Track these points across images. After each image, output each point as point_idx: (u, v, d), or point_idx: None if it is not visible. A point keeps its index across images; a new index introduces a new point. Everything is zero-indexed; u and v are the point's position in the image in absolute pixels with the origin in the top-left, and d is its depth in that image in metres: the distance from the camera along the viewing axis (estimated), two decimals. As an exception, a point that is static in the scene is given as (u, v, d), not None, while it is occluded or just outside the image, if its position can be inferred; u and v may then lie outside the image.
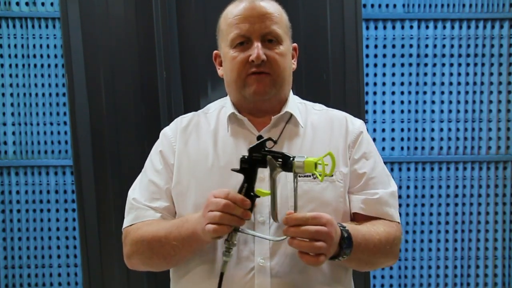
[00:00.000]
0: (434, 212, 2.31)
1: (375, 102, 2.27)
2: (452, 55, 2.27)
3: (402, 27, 2.25)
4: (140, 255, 1.12)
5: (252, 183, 0.97)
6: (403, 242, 2.31)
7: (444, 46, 2.26)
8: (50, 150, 2.23)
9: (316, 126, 1.18)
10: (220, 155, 1.14)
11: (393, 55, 2.26)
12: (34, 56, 2.20)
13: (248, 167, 0.97)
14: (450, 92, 2.28)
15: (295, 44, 1.22)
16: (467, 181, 2.30)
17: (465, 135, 2.29)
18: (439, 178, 2.30)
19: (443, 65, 2.27)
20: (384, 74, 2.27)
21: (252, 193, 0.97)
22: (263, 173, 1.01)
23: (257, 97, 1.13)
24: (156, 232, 1.08)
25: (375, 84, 2.27)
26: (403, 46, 2.26)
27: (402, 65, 2.27)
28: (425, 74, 2.27)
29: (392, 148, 2.29)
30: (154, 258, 1.11)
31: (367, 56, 2.24)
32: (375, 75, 2.27)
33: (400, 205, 2.28)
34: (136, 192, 1.18)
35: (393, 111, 2.28)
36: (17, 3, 2.18)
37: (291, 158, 0.93)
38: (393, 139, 2.29)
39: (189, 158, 1.16)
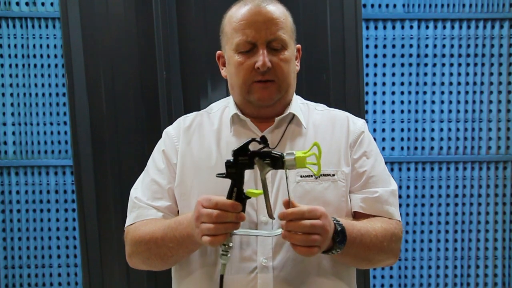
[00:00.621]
0: (434, 212, 2.31)
1: (375, 102, 2.27)
2: (452, 55, 2.27)
3: (402, 27, 2.25)
4: (139, 255, 1.13)
5: (241, 186, 0.97)
6: (403, 242, 2.31)
7: (444, 46, 2.26)
8: (50, 150, 2.23)
9: (318, 126, 1.19)
10: (223, 155, 1.14)
11: (393, 55, 2.26)
12: (34, 56, 2.20)
13: (235, 171, 0.96)
14: (450, 92, 2.28)
15: (298, 46, 1.22)
16: (467, 181, 2.30)
17: (465, 135, 2.29)
18: (439, 178, 2.30)
19: (443, 65, 2.27)
20: (384, 74, 2.27)
21: (243, 195, 0.96)
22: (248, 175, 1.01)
23: (262, 104, 1.14)
24: (152, 233, 1.09)
25: (375, 84, 2.27)
26: (403, 46, 2.26)
27: (402, 65, 2.27)
28: (425, 74, 2.27)
29: (392, 148, 2.29)
30: (152, 258, 1.11)
31: (367, 56, 2.24)
32: (375, 75, 2.26)
33: (400, 205, 2.28)
34: (139, 191, 1.18)
35: (393, 111, 2.28)
36: (17, 3, 2.18)
37: (281, 156, 0.93)
38: (393, 139, 2.29)
39: (192, 157, 1.16)
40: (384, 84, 2.27)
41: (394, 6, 2.24)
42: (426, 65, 2.27)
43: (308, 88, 1.78)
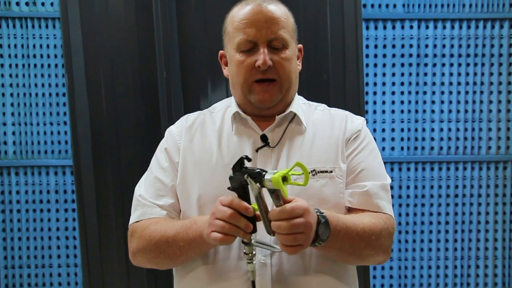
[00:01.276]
0: (434, 212, 2.31)
1: (375, 102, 2.27)
2: (452, 55, 2.27)
3: (402, 27, 2.25)
4: (146, 253, 1.13)
5: (246, 200, 0.98)
6: (403, 242, 2.32)
7: (444, 46, 2.26)
8: (50, 150, 2.23)
9: (317, 125, 1.19)
10: (224, 154, 1.15)
11: (393, 55, 2.26)
12: (34, 56, 2.20)
13: (237, 185, 0.98)
14: (450, 92, 2.28)
15: (300, 45, 1.22)
16: (467, 181, 2.30)
17: (465, 135, 2.29)
18: (439, 178, 2.30)
19: (443, 65, 2.27)
20: (384, 74, 2.27)
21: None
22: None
23: (263, 106, 1.15)
24: (164, 232, 1.09)
25: (375, 84, 2.27)
26: (403, 46, 2.26)
27: (402, 65, 2.27)
28: (425, 74, 2.27)
29: (392, 148, 2.29)
30: (160, 257, 1.12)
31: (367, 56, 2.24)
32: (375, 75, 2.27)
33: (400, 205, 2.31)
34: (142, 189, 1.19)
35: (393, 111, 2.28)
36: (17, 3, 2.18)
37: (263, 175, 0.93)
38: (393, 139, 2.29)
39: (194, 156, 1.17)
40: (384, 84, 2.27)
41: (394, 6, 2.24)
42: (426, 65, 2.27)
43: (308, 88, 1.78)
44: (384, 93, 2.27)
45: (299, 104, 1.22)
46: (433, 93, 2.28)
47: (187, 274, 1.14)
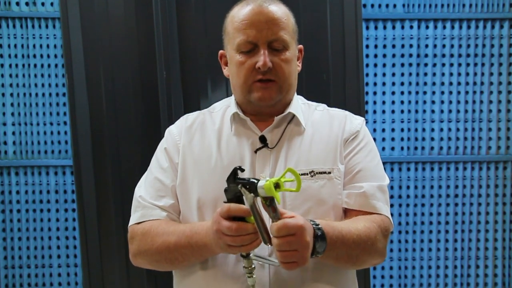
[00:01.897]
0: (434, 212, 2.31)
1: (375, 102, 2.27)
2: (452, 55, 2.27)
3: (402, 27, 2.25)
4: (147, 256, 1.13)
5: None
6: (403, 242, 2.32)
7: (444, 46, 2.26)
8: (50, 150, 2.23)
9: (316, 125, 1.19)
10: (223, 154, 1.15)
11: (393, 55, 2.26)
12: (34, 56, 2.20)
13: (232, 197, 0.98)
14: (450, 92, 2.28)
15: (300, 46, 1.22)
16: (467, 181, 2.30)
17: (465, 135, 2.29)
18: (439, 178, 2.30)
19: (443, 65, 2.27)
20: (384, 74, 2.27)
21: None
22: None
23: (262, 104, 1.14)
24: (166, 238, 1.09)
25: (375, 84, 2.27)
26: (403, 46, 2.26)
27: (402, 65, 2.27)
28: (425, 74, 2.27)
29: (392, 148, 2.29)
30: (161, 261, 1.12)
31: (367, 56, 2.24)
32: (375, 75, 2.27)
33: (400, 205, 2.31)
34: (142, 189, 1.19)
35: (393, 111, 2.28)
36: (17, 3, 2.18)
37: (255, 184, 0.92)
38: (393, 139, 2.29)
39: (193, 156, 1.17)
40: (384, 84, 2.27)
41: (394, 6, 2.24)
42: (426, 65, 2.27)
43: (308, 88, 1.78)
44: (384, 93, 2.27)
45: (298, 105, 1.22)
46: (433, 93, 2.28)
47: (186, 277, 1.14)
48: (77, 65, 1.80)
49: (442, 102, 2.28)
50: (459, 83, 2.28)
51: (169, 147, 1.20)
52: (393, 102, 2.28)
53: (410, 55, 2.26)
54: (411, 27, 2.25)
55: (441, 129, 2.29)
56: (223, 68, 1.23)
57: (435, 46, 2.26)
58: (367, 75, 2.23)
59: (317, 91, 1.83)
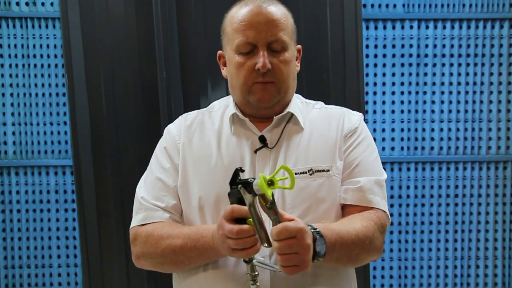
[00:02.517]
0: (434, 212, 2.31)
1: (375, 102, 2.27)
2: (452, 55, 2.27)
3: (402, 27, 2.25)
4: (152, 259, 1.13)
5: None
6: (403, 242, 2.32)
7: (444, 46, 2.26)
8: (50, 150, 2.23)
9: (314, 123, 1.19)
10: (223, 155, 1.15)
11: (393, 55, 2.26)
12: (34, 56, 2.20)
13: (233, 200, 0.98)
14: (450, 92, 2.28)
15: (299, 46, 1.22)
16: (467, 181, 2.30)
17: (465, 135, 2.29)
18: (439, 178, 2.30)
19: (443, 65, 2.27)
20: (384, 74, 2.27)
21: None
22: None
23: (261, 105, 1.15)
24: (171, 242, 1.09)
25: (375, 84, 2.27)
26: (403, 46, 2.26)
27: (402, 65, 2.27)
28: (425, 74, 2.27)
29: (392, 148, 2.29)
30: (166, 264, 1.12)
31: (367, 56, 2.24)
32: (375, 75, 2.26)
33: (400, 205, 2.31)
34: (144, 190, 1.18)
35: (393, 111, 2.28)
36: (17, 3, 2.18)
37: (251, 182, 0.93)
38: (393, 139, 2.29)
39: (193, 156, 1.17)
40: (384, 84, 2.27)
41: (394, 6, 2.24)
42: (426, 65, 2.27)
43: (308, 88, 1.78)
44: (384, 93, 2.27)
45: (297, 104, 1.22)
46: (433, 93, 2.28)
47: (186, 278, 1.14)
48: (77, 65, 1.80)
49: (442, 102, 2.28)
50: (459, 83, 2.28)
51: (169, 146, 1.19)
52: (393, 102, 2.28)
53: (410, 55, 2.26)
54: (411, 27, 2.25)
55: (441, 129, 2.29)
56: (221, 68, 1.23)
57: (435, 46, 2.26)
58: (367, 75, 2.23)
59: (317, 91, 1.83)
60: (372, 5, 2.24)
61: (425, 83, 2.27)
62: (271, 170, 1.12)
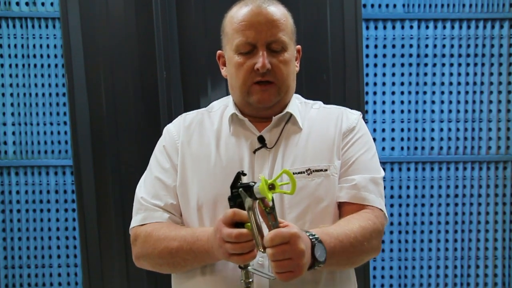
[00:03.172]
0: (434, 212, 2.31)
1: (375, 102, 2.27)
2: (452, 55, 2.27)
3: (402, 27, 2.25)
4: (150, 260, 1.13)
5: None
6: (403, 242, 2.32)
7: (444, 46, 2.26)
8: (50, 150, 2.23)
9: (312, 123, 1.19)
10: (222, 155, 1.15)
11: (393, 55, 2.26)
12: (34, 56, 2.20)
13: (234, 204, 0.98)
14: (450, 92, 2.28)
15: (298, 46, 1.22)
16: (467, 181, 2.30)
17: (465, 135, 2.29)
18: (439, 178, 2.30)
19: (443, 65, 2.27)
20: (384, 74, 2.27)
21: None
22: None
23: (261, 106, 1.15)
24: (167, 244, 1.09)
25: (375, 84, 2.27)
26: (403, 46, 2.26)
27: (402, 65, 2.27)
28: (425, 74, 2.27)
29: (392, 148, 2.29)
30: (164, 265, 1.13)
31: (367, 56, 2.24)
32: (375, 75, 2.27)
33: (400, 205, 2.31)
34: (143, 190, 1.18)
35: (393, 111, 2.28)
36: (17, 3, 2.18)
37: (253, 186, 0.92)
38: (393, 139, 2.29)
39: (192, 156, 1.17)
40: (384, 84, 2.27)
41: (394, 6, 2.24)
42: (426, 65, 2.27)
43: (308, 88, 1.78)
44: (384, 93, 2.27)
45: (296, 104, 1.22)
46: (433, 93, 2.28)
47: (185, 280, 1.14)
48: (77, 65, 1.80)
49: (442, 102, 2.28)
50: (459, 83, 2.28)
51: (168, 146, 1.19)
52: (393, 102, 2.28)
53: (410, 55, 2.26)
54: (411, 27, 2.25)
55: (441, 129, 2.29)
56: (221, 68, 1.23)
57: (435, 46, 2.26)
58: (367, 75, 2.23)
59: (317, 91, 1.83)
60: (372, 5, 2.24)
61: (425, 83, 2.27)
62: (270, 170, 1.12)
